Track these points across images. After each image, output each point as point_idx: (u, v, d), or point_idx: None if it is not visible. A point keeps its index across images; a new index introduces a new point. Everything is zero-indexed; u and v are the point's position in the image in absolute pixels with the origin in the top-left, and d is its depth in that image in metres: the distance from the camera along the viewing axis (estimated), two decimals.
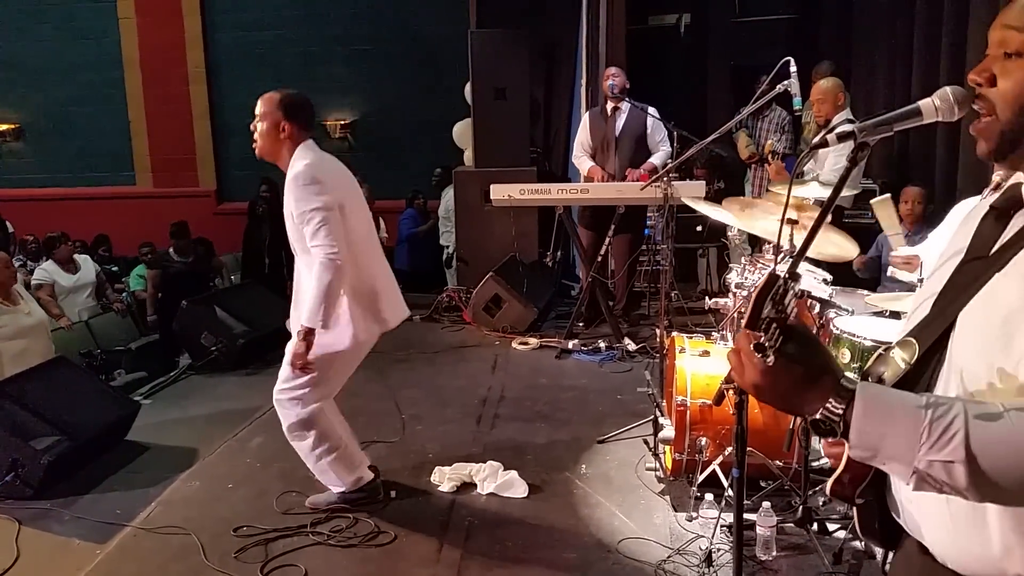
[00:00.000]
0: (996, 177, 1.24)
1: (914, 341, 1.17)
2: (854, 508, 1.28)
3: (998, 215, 1.18)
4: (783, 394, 1.08)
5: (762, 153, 6.72)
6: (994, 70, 1.13)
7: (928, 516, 1.16)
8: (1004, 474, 0.98)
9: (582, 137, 6.17)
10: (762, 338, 1.05)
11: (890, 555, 1.34)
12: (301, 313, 3.11)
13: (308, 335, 3.05)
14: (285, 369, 3.22)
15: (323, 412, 3.31)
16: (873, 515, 1.26)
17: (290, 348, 3.16)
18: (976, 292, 1.11)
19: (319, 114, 9.45)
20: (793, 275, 1.08)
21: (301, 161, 3.15)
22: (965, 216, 1.30)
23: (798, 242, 3.10)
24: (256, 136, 3.22)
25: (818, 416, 1.06)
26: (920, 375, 1.16)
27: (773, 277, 1.08)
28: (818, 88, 4.94)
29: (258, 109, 3.21)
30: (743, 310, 3.60)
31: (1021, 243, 1.11)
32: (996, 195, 1.21)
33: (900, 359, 1.18)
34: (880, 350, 1.25)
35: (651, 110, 5.90)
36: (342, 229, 3.11)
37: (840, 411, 1.04)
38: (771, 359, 1.05)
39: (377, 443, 4.16)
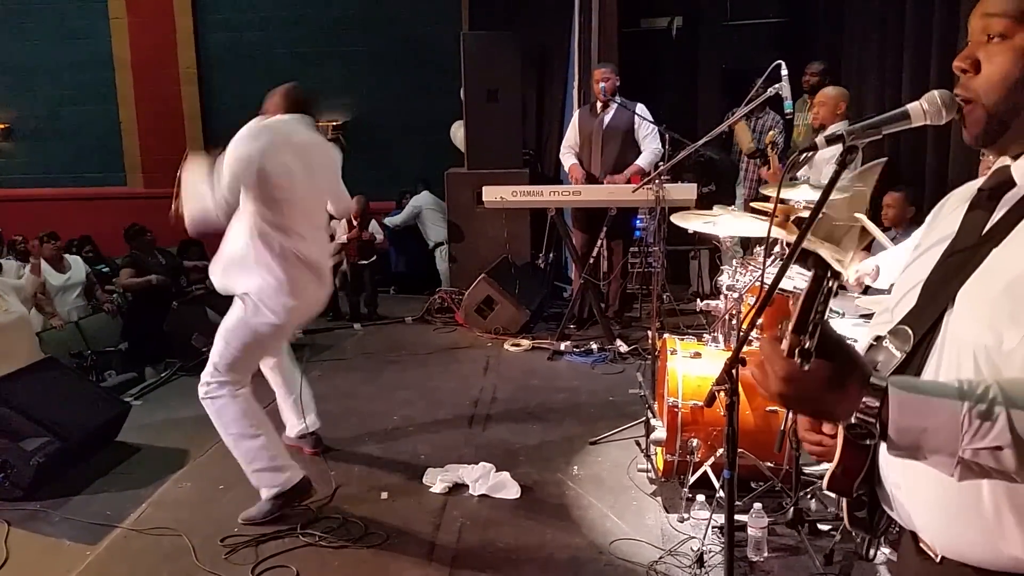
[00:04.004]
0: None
1: (907, 329, 1.17)
2: (843, 500, 1.26)
3: (989, 196, 1.18)
4: (815, 399, 1.03)
5: (762, 147, 6.69)
6: (978, 55, 1.15)
7: (920, 503, 1.15)
8: None
9: (570, 134, 6.21)
10: (807, 343, 1.00)
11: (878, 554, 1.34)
12: (218, 269, 3.31)
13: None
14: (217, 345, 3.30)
15: (247, 397, 3.36)
16: (861, 506, 1.25)
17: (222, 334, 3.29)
18: (974, 270, 1.11)
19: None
20: (836, 275, 1.03)
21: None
22: (941, 203, 1.31)
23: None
24: None
25: (853, 420, 1.02)
26: (915, 361, 1.15)
27: (819, 278, 1.03)
28: (823, 92, 5.11)
29: None
30: (734, 312, 3.62)
31: (1015, 220, 1.11)
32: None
33: (894, 348, 1.17)
34: (871, 340, 1.24)
35: (639, 107, 5.91)
36: (248, 180, 3.16)
37: (875, 410, 1.01)
38: (808, 365, 1.00)
39: (369, 444, 4.17)
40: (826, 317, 1.03)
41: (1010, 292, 1.05)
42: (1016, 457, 0.95)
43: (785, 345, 1.03)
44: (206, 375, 3.31)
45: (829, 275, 1.04)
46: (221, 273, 3.34)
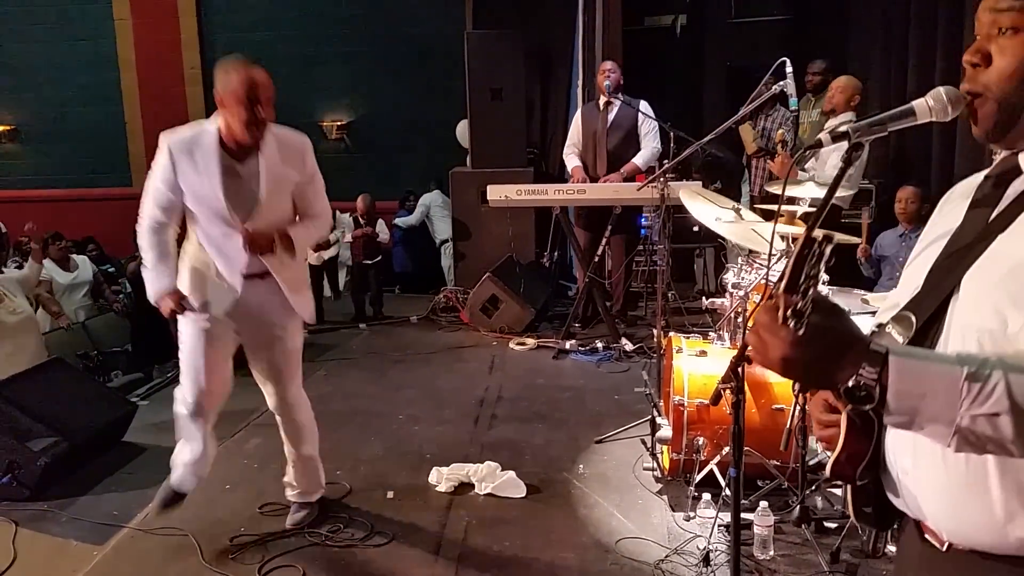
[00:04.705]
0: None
1: (910, 315, 1.17)
2: (849, 490, 1.26)
3: (995, 184, 1.19)
4: (814, 364, 1.04)
5: (769, 146, 6.69)
6: (989, 49, 1.15)
7: (926, 488, 1.15)
8: None
9: (573, 132, 6.20)
10: (799, 303, 1.01)
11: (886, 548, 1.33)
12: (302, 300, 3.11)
13: (287, 240, 2.97)
14: (293, 367, 3.21)
15: None
16: (868, 498, 1.25)
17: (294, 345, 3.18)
18: (978, 257, 1.12)
19: (314, 115, 9.44)
20: (828, 237, 1.04)
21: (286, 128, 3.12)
22: (945, 198, 1.31)
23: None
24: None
25: (851, 384, 1.03)
26: (923, 345, 1.15)
27: (811, 239, 1.03)
28: (840, 80, 5.19)
29: (266, 93, 3.00)
30: (740, 310, 3.61)
31: (1021, 208, 1.11)
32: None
33: (897, 333, 1.17)
34: (873, 327, 1.24)
35: (642, 104, 5.91)
36: None
37: (875, 375, 1.01)
38: (803, 328, 1.01)
39: (374, 443, 4.17)
40: (821, 280, 1.03)
41: (1014, 276, 1.06)
42: (1013, 424, 0.96)
43: (780, 312, 1.03)
44: (301, 389, 3.26)
45: (821, 237, 1.04)
46: (307, 301, 3.16)
